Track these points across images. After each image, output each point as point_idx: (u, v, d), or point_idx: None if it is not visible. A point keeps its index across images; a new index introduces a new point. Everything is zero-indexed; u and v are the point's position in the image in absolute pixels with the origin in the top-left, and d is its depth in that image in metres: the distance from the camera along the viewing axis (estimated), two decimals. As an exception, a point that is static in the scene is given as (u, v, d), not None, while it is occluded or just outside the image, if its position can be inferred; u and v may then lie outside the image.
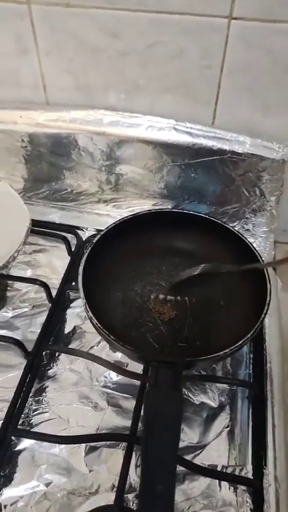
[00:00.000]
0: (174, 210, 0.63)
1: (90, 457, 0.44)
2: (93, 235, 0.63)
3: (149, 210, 0.59)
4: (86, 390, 0.49)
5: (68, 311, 0.57)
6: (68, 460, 0.44)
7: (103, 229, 0.54)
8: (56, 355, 0.52)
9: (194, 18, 0.51)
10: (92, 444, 0.45)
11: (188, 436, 0.46)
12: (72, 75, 0.60)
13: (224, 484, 0.42)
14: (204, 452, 0.45)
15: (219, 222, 0.56)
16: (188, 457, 0.44)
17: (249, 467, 0.44)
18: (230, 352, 0.42)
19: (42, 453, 0.44)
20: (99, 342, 0.53)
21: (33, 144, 0.63)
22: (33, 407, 0.48)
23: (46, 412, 0.47)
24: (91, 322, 0.45)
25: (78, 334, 0.55)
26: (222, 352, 0.42)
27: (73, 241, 0.64)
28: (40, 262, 0.63)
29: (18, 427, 0.45)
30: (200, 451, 0.45)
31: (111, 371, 0.50)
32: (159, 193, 0.65)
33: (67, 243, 0.63)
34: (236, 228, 0.56)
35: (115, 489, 0.41)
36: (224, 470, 0.43)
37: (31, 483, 0.42)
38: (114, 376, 0.50)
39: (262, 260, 0.51)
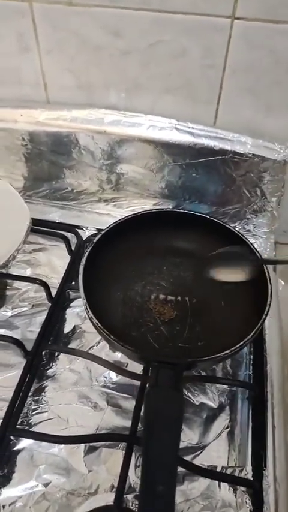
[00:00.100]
0: (175, 210, 0.62)
1: (89, 457, 0.44)
2: (94, 235, 0.63)
3: (150, 210, 0.59)
4: (86, 390, 0.49)
5: (68, 310, 0.57)
6: (67, 460, 0.44)
7: (103, 228, 0.54)
8: (56, 354, 0.52)
9: (197, 18, 0.51)
10: (91, 444, 0.44)
11: (188, 436, 0.46)
12: (73, 73, 0.60)
13: (224, 485, 0.42)
14: (204, 453, 0.44)
15: (220, 222, 0.56)
16: (188, 458, 0.44)
17: (249, 468, 0.44)
18: (231, 353, 0.42)
19: (41, 453, 0.44)
20: (99, 342, 0.53)
21: (34, 143, 0.63)
22: (33, 407, 0.47)
23: (45, 411, 0.47)
24: (91, 321, 0.45)
25: (78, 334, 0.55)
26: (223, 353, 0.42)
27: (73, 240, 0.64)
28: (40, 261, 0.63)
29: (17, 426, 0.45)
30: (199, 451, 0.45)
31: (110, 371, 0.50)
32: (160, 193, 0.65)
33: (67, 242, 0.63)
34: (236, 229, 0.56)
35: (114, 489, 0.40)
36: (224, 471, 0.43)
37: (30, 483, 0.42)
38: (113, 376, 0.50)
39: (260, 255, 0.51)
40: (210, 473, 0.43)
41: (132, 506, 0.41)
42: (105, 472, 0.43)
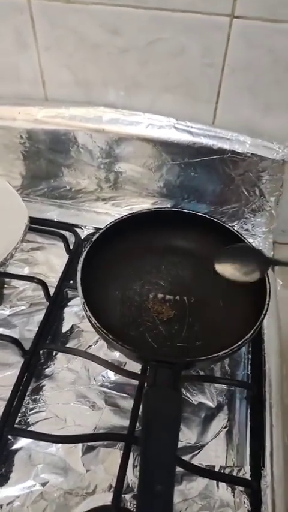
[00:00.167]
0: (173, 209, 0.62)
1: (87, 456, 0.44)
2: (92, 234, 0.63)
3: (148, 209, 0.59)
4: (84, 389, 0.49)
5: (66, 310, 0.57)
6: (65, 460, 0.44)
7: (102, 227, 0.54)
8: (54, 353, 0.52)
9: (196, 16, 0.50)
10: (89, 444, 0.44)
11: (186, 436, 0.46)
12: (71, 71, 0.59)
13: (222, 484, 0.42)
14: (202, 453, 0.44)
15: (219, 221, 0.56)
16: (186, 458, 0.44)
17: (247, 468, 0.44)
18: (230, 352, 0.42)
19: (38, 452, 0.44)
20: (97, 341, 0.53)
21: (32, 141, 0.63)
22: (30, 406, 0.47)
23: (43, 411, 0.47)
24: (89, 321, 0.45)
25: (76, 333, 0.54)
26: (222, 352, 0.42)
27: (71, 239, 0.64)
28: (38, 260, 0.63)
29: (15, 426, 0.45)
30: (198, 451, 0.45)
31: (109, 370, 0.50)
32: (158, 192, 0.64)
33: (65, 241, 0.63)
34: (235, 228, 0.56)
35: (112, 489, 0.40)
36: (222, 471, 0.43)
37: (27, 483, 0.42)
38: (112, 376, 0.50)
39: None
40: (208, 473, 0.43)
41: (130, 506, 0.40)
42: (103, 472, 0.43)
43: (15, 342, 0.50)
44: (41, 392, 0.49)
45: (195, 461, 0.44)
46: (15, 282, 0.59)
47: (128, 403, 0.47)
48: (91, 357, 0.49)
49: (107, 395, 0.48)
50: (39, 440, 0.44)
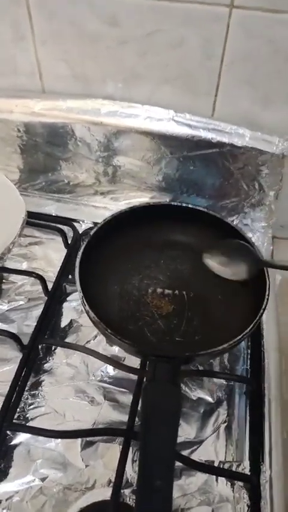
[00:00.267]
0: (172, 203, 0.62)
1: (86, 451, 0.44)
2: (90, 228, 0.62)
3: (147, 203, 0.58)
4: (83, 384, 0.49)
5: (65, 304, 0.57)
6: (64, 455, 0.43)
7: (100, 222, 0.53)
8: (52, 348, 0.52)
9: (195, 6, 0.50)
10: (88, 439, 0.44)
11: (185, 431, 0.46)
12: (69, 63, 0.58)
13: (221, 479, 0.42)
14: (201, 448, 0.44)
15: (218, 216, 0.56)
16: (185, 453, 0.44)
17: (247, 463, 0.44)
18: (229, 347, 0.42)
19: (37, 448, 0.44)
20: (95, 336, 0.53)
21: (29, 134, 0.62)
22: (29, 402, 0.47)
23: (42, 406, 0.47)
24: (88, 315, 0.45)
25: (75, 328, 0.54)
26: (221, 347, 0.41)
27: (70, 233, 0.63)
28: (36, 255, 0.62)
29: (14, 421, 0.45)
30: (197, 446, 0.45)
31: (108, 365, 0.49)
32: (157, 186, 0.64)
33: (64, 235, 0.62)
34: (234, 223, 0.55)
35: (111, 484, 0.40)
36: (221, 466, 0.43)
37: (27, 478, 0.42)
38: (111, 371, 0.50)
39: (261, 256, 0.50)
40: (207, 468, 0.43)
41: (129, 501, 0.41)
42: (102, 467, 0.43)
43: (14, 337, 0.49)
44: (39, 388, 0.48)
45: (195, 456, 0.44)
46: (13, 277, 0.58)
47: (127, 398, 0.47)
48: (90, 351, 0.48)
49: (106, 390, 0.48)
50: (38, 435, 0.44)
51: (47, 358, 0.51)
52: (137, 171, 0.63)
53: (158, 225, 0.57)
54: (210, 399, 0.48)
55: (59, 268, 0.58)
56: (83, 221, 0.66)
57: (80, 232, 0.64)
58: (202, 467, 0.42)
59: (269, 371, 0.49)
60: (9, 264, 0.59)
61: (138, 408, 0.44)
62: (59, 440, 0.44)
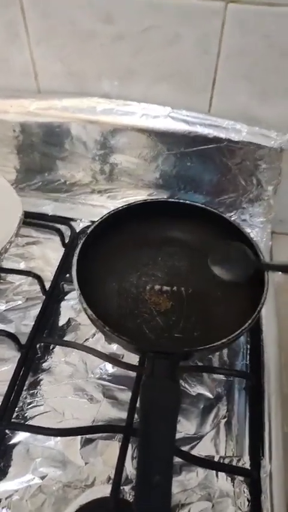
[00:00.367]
0: (169, 199, 0.61)
1: (85, 449, 0.44)
2: (88, 227, 0.62)
3: (144, 200, 0.58)
4: (81, 382, 0.48)
5: (63, 303, 0.57)
6: (64, 453, 0.43)
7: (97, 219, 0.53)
8: (51, 347, 0.52)
9: (190, 2, 0.49)
10: (87, 436, 0.44)
11: (185, 427, 0.45)
12: (64, 62, 0.58)
13: (221, 474, 0.42)
14: (201, 443, 0.44)
15: (216, 212, 0.55)
16: (185, 448, 0.44)
17: (247, 458, 0.43)
18: (228, 342, 0.42)
19: (37, 446, 0.44)
20: (94, 334, 0.53)
21: (25, 134, 0.62)
22: (28, 401, 0.47)
23: (41, 405, 0.47)
24: (86, 313, 0.45)
25: (73, 327, 0.54)
26: (219, 342, 0.41)
27: (67, 232, 0.63)
28: (34, 255, 0.62)
29: (13, 420, 0.45)
30: (197, 442, 0.44)
31: (106, 363, 0.49)
32: (154, 183, 0.64)
33: (61, 234, 0.62)
34: (233, 218, 0.55)
35: (111, 481, 0.40)
36: (221, 461, 0.43)
37: (26, 476, 0.42)
38: (109, 368, 0.50)
39: (260, 252, 0.50)
40: (207, 463, 0.43)
41: (129, 497, 0.40)
42: (102, 464, 0.43)
43: (12, 336, 0.49)
44: (38, 387, 0.48)
45: (195, 452, 0.43)
46: (11, 277, 0.58)
47: (126, 395, 0.47)
48: (89, 349, 0.48)
49: (104, 388, 0.48)
50: (37, 433, 0.44)
51: (46, 357, 0.51)
52: (134, 168, 0.63)
53: (156, 222, 0.57)
54: (209, 395, 0.48)
55: (56, 267, 0.58)
56: (81, 220, 0.66)
57: (78, 232, 0.64)
58: (202, 462, 0.42)
59: (268, 366, 0.49)
60: (7, 264, 0.59)
61: (137, 405, 0.44)
62: (58, 438, 0.44)
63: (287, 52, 0.51)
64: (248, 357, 0.52)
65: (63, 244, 0.62)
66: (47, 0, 0.53)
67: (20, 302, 0.56)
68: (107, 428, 0.45)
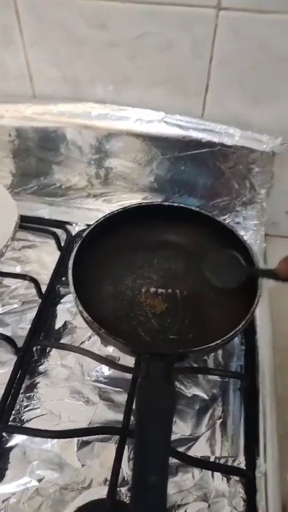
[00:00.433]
0: (164, 203, 0.62)
1: (82, 451, 0.44)
2: (83, 230, 0.62)
3: (139, 204, 0.58)
4: (78, 385, 0.49)
5: (59, 307, 0.57)
6: (60, 455, 0.44)
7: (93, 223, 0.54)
8: (47, 350, 0.52)
9: (183, 9, 0.50)
10: (84, 439, 0.44)
11: (181, 428, 0.46)
12: (59, 67, 0.59)
13: (217, 475, 0.42)
14: (197, 444, 0.45)
15: (210, 215, 0.56)
16: (181, 449, 0.44)
17: (242, 458, 0.44)
18: (222, 343, 0.42)
19: (33, 449, 0.44)
20: (90, 337, 0.53)
21: (21, 138, 0.62)
22: (25, 404, 0.47)
23: (37, 408, 0.47)
24: (82, 316, 0.45)
25: (69, 330, 0.54)
26: (214, 343, 0.42)
27: (63, 236, 0.64)
28: (29, 258, 0.62)
29: (9, 423, 0.45)
30: (192, 443, 0.45)
31: (102, 365, 0.50)
32: (149, 186, 0.64)
33: (57, 238, 0.62)
34: (226, 221, 0.56)
35: (108, 483, 0.40)
36: (217, 462, 0.44)
37: (23, 479, 0.42)
38: (105, 371, 0.50)
39: (254, 256, 0.50)
40: (203, 463, 0.43)
41: (125, 498, 0.41)
42: (99, 466, 0.43)
43: (8, 339, 0.49)
44: (35, 390, 0.48)
45: (190, 452, 0.44)
46: (7, 281, 0.59)
47: (122, 397, 0.47)
48: (85, 352, 0.49)
49: (101, 390, 0.48)
50: (33, 436, 0.44)
51: (42, 360, 0.51)
52: (128, 172, 0.63)
53: (151, 225, 0.57)
54: (205, 396, 0.48)
55: (52, 270, 0.58)
56: (76, 224, 0.66)
57: (73, 235, 0.64)
58: (198, 462, 0.43)
59: (263, 367, 0.49)
60: (3, 268, 0.59)
61: (133, 407, 0.44)
62: (55, 441, 0.44)
63: (278, 57, 0.52)
64: (242, 358, 0.52)
65: (59, 247, 0.62)
66: (41, 5, 0.53)
67: (16, 305, 0.56)
68: (104, 430, 0.45)
